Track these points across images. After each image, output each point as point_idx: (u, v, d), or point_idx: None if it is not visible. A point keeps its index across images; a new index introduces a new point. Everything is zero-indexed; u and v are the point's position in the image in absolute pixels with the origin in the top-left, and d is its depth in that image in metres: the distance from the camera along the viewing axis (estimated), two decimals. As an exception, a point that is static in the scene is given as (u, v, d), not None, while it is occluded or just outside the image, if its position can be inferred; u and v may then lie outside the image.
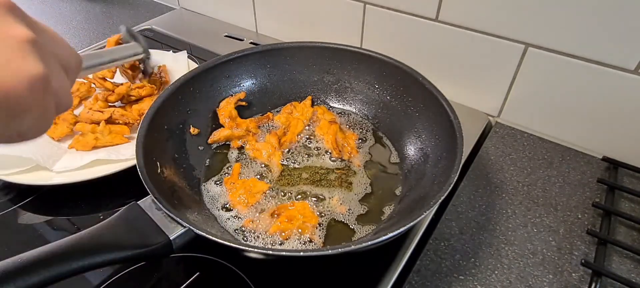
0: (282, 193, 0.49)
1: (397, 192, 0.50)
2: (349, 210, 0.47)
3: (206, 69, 0.56)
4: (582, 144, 0.58)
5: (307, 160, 0.54)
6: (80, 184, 0.50)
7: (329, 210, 0.47)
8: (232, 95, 0.59)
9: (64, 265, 0.32)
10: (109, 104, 0.62)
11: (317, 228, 0.45)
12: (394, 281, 0.42)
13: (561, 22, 0.52)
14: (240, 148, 0.56)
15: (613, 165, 0.55)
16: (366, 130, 0.59)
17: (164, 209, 0.37)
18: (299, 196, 0.49)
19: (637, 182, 0.53)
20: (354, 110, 0.62)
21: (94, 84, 0.66)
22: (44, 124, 0.24)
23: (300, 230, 0.45)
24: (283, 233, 0.44)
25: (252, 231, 0.45)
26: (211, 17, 0.96)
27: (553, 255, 0.45)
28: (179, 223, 0.37)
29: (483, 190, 0.53)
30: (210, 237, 0.35)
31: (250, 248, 0.37)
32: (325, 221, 0.46)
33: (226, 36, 0.88)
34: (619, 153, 0.56)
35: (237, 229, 0.45)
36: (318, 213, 0.47)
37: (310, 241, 0.44)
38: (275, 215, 0.46)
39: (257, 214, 0.47)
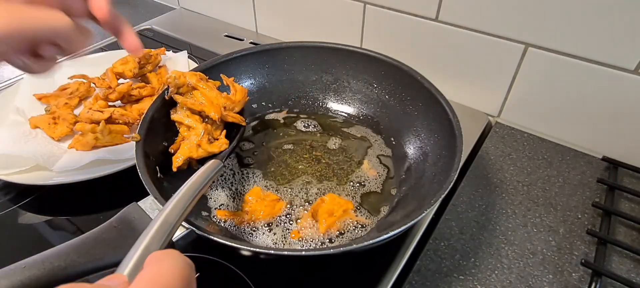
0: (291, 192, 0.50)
1: (395, 191, 0.50)
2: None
3: (205, 69, 0.56)
4: (582, 144, 0.58)
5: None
6: (80, 184, 0.50)
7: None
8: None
9: (66, 270, 0.32)
10: (109, 103, 0.62)
11: (356, 211, 0.47)
12: (394, 281, 0.42)
13: (561, 22, 0.52)
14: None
15: (613, 165, 0.55)
16: (365, 130, 0.59)
17: (164, 209, 0.37)
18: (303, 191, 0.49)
19: (637, 182, 0.53)
20: (353, 110, 0.62)
21: (94, 83, 0.66)
22: None
23: (345, 219, 0.45)
24: (331, 230, 0.44)
25: (304, 239, 0.44)
26: (211, 17, 0.96)
27: (553, 255, 0.45)
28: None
29: (483, 190, 0.53)
30: (212, 237, 0.35)
31: (250, 248, 0.37)
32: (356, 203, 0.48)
33: (226, 36, 0.88)
34: (619, 153, 0.56)
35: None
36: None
37: (362, 225, 0.45)
38: (314, 217, 0.46)
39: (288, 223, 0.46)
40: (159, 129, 0.49)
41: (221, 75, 0.53)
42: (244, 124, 0.51)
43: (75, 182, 0.50)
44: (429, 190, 0.44)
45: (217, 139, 0.47)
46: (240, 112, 0.52)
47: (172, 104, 0.49)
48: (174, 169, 0.44)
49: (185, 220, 0.34)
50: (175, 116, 0.47)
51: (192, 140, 0.45)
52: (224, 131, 0.49)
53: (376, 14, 0.68)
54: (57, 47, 0.34)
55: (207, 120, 0.47)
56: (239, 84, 0.61)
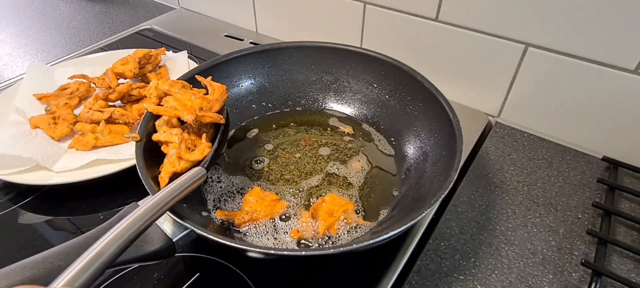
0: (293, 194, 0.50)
1: (396, 192, 0.50)
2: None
3: (204, 69, 0.56)
4: (582, 143, 0.58)
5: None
6: (80, 184, 0.50)
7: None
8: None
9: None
10: (109, 103, 0.62)
11: (357, 211, 0.47)
12: (394, 281, 0.42)
13: (561, 22, 0.52)
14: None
15: (613, 165, 0.55)
16: (365, 130, 0.59)
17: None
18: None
19: (637, 182, 0.53)
20: (353, 110, 0.62)
21: (94, 83, 0.66)
22: None
23: (345, 220, 0.45)
24: (331, 230, 0.44)
25: (304, 239, 0.44)
26: (211, 17, 0.96)
27: (553, 255, 0.45)
28: (181, 223, 0.37)
29: (483, 190, 0.53)
30: (212, 237, 0.35)
31: (250, 248, 0.37)
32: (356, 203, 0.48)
33: (226, 36, 0.88)
34: (619, 153, 0.56)
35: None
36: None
37: (362, 226, 0.45)
38: (314, 217, 0.46)
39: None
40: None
41: (196, 76, 0.49)
42: (222, 121, 0.46)
43: (75, 182, 0.50)
44: (429, 190, 0.44)
45: (198, 146, 0.44)
46: (224, 114, 0.48)
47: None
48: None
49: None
50: (155, 136, 0.45)
51: (172, 154, 0.42)
52: (205, 135, 0.46)
53: (376, 14, 0.68)
54: None
55: (187, 129, 0.45)
56: (238, 83, 0.61)
